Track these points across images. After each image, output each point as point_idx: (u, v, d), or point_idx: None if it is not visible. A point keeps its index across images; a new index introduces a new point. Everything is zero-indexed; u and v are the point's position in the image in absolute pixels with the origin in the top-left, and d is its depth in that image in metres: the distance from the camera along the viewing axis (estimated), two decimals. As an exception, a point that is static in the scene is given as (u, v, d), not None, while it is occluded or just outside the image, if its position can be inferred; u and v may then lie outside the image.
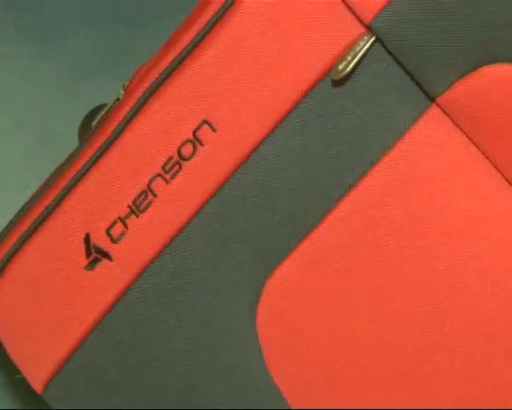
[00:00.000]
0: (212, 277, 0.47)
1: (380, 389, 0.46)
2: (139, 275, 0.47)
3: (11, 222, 0.49)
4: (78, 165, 0.47)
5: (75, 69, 0.65)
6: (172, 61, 0.46)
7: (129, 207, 0.47)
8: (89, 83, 0.64)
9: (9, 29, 0.65)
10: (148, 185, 0.46)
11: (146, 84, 0.47)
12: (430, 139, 0.45)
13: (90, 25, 0.65)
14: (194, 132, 0.46)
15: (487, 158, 0.45)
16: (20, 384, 0.52)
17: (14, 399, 0.61)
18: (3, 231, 0.49)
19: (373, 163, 0.45)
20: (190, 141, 0.46)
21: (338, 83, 0.45)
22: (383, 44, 0.44)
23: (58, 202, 0.47)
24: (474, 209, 0.45)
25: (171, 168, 0.46)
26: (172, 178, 0.46)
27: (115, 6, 0.65)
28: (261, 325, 0.47)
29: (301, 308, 0.46)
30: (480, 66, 0.44)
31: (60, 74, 0.65)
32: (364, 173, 0.45)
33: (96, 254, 0.47)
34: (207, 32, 0.46)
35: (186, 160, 0.46)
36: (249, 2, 0.45)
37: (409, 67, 0.44)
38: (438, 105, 0.45)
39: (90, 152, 0.47)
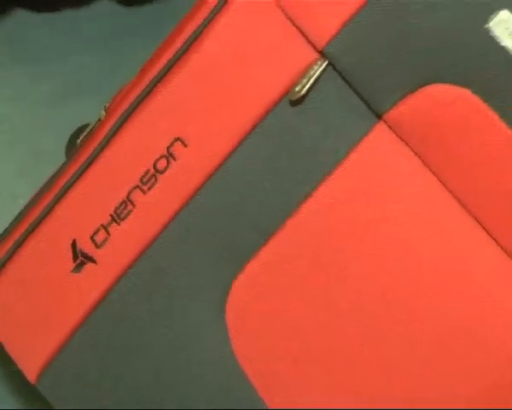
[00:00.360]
0: (186, 279, 0.48)
1: (347, 386, 0.47)
2: (120, 277, 0.49)
3: (6, 230, 0.51)
4: (65, 178, 0.49)
5: (65, 90, 0.65)
6: (148, 85, 0.48)
7: (111, 215, 0.49)
8: (77, 103, 0.65)
9: (2, 47, 0.66)
10: (128, 196, 0.48)
11: (124, 106, 0.49)
12: (377, 153, 0.46)
13: (80, 48, 0.66)
14: (168, 148, 0.48)
15: (431, 171, 0.46)
16: (15, 376, 0.54)
17: (11, 389, 0.62)
18: (-1, 237, 0.51)
19: (327, 174, 0.47)
20: (164, 156, 0.48)
21: (295, 103, 0.47)
22: (335, 68, 0.46)
23: (48, 211, 0.49)
24: (418, 217, 0.46)
25: (148, 181, 0.48)
26: (149, 189, 0.48)
27: (105, 30, 0.66)
28: (230, 324, 0.48)
29: (267, 306, 0.48)
30: (422, 86, 0.45)
31: (50, 94, 0.65)
32: (319, 184, 0.47)
33: (81, 259, 0.49)
34: (179, 58, 0.48)
35: (161, 173, 0.48)
36: (217, 31, 0.47)
37: (358, 87, 0.46)
38: (384, 121, 0.46)
39: (75, 167, 0.49)
